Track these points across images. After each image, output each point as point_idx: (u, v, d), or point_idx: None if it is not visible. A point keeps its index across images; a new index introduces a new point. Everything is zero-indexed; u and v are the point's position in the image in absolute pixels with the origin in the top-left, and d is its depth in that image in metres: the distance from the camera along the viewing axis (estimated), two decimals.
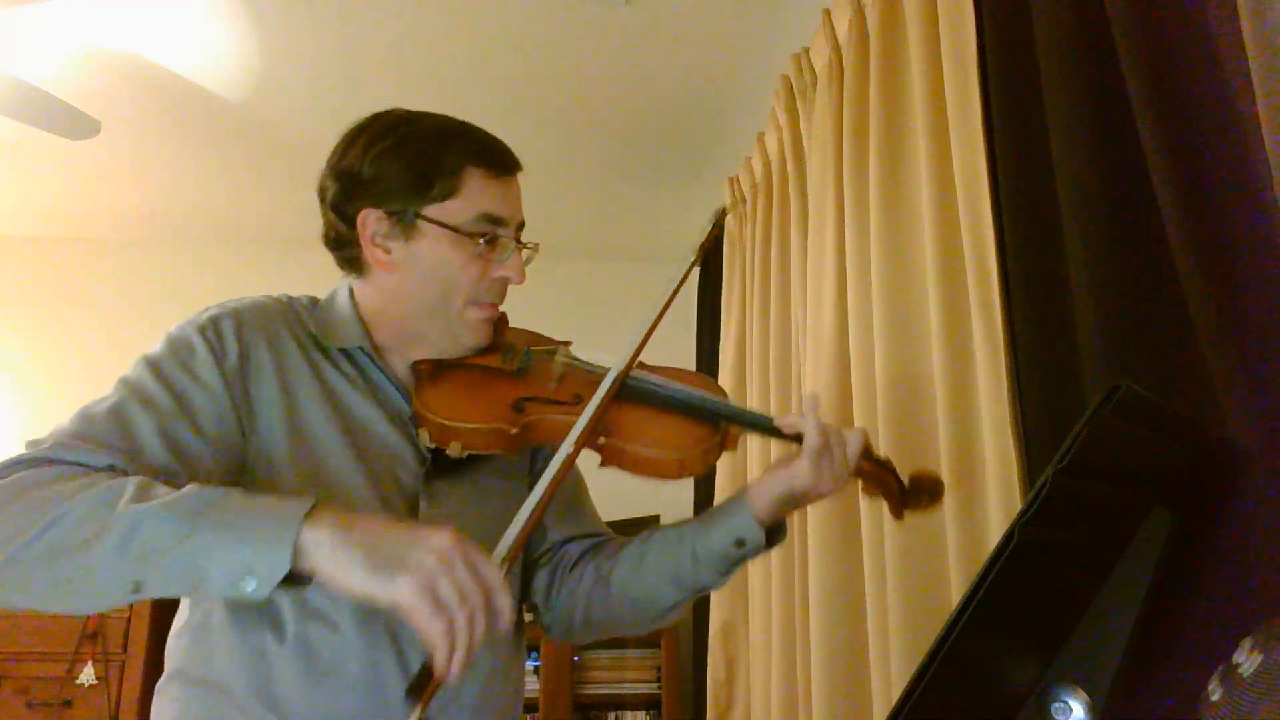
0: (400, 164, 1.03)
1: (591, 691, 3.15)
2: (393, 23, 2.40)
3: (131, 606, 3.00)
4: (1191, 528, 0.89)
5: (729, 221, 3.10)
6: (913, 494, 1.10)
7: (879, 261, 1.73)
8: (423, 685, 0.77)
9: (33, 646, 2.91)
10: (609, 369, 1.07)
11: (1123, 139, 1.06)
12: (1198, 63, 0.98)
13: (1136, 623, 0.83)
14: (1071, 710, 0.81)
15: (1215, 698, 0.72)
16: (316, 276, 4.02)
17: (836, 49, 2.09)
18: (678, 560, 1.08)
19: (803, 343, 2.17)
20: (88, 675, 2.89)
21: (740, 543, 1.05)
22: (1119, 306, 1.06)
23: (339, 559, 0.77)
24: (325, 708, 0.94)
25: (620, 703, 3.18)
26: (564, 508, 1.20)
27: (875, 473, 1.09)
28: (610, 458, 1.04)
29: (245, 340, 1.01)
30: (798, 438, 1.03)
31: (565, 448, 0.97)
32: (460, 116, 1.11)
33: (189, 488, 0.81)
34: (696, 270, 4.05)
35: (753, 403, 2.60)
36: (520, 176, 1.10)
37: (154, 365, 0.96)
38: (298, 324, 1.07)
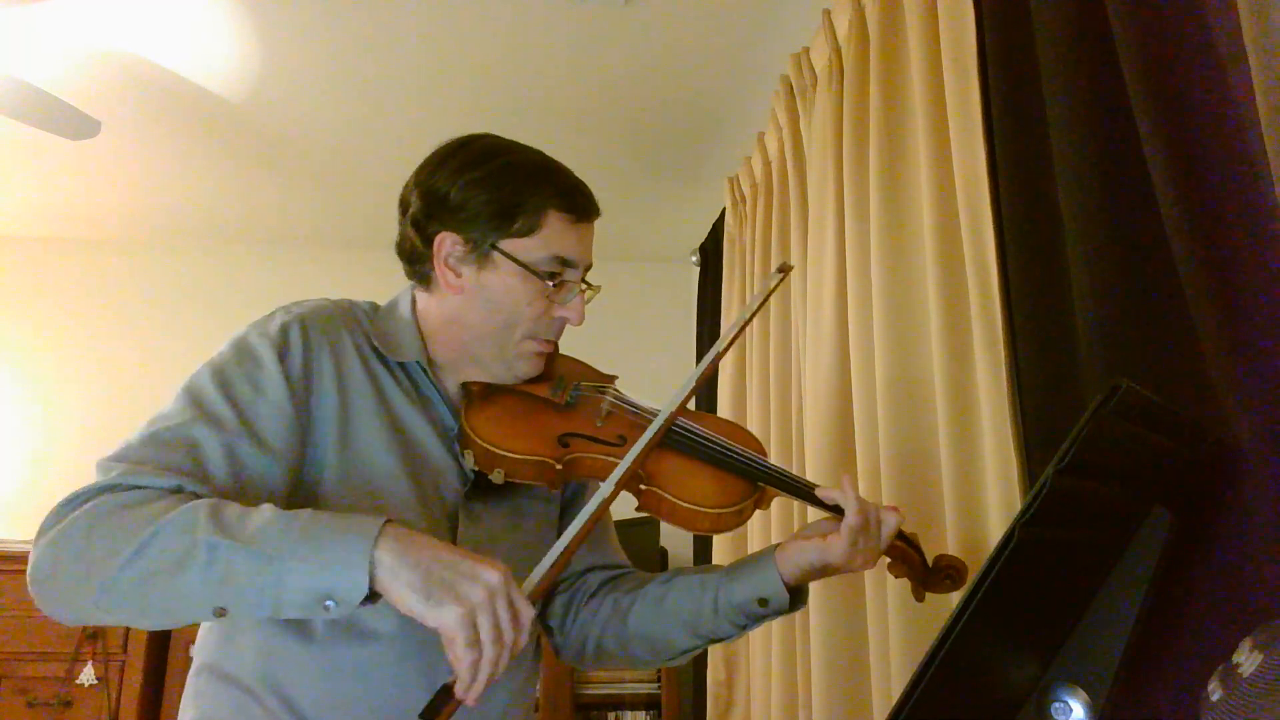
0: (487, 195, 1.04)
1: (591, 691, 3.15)
2: (392, 23, 2.40)
3: None
4: (1191, 528, 0.89)
5: (729, 222, 3.10)
6: (935, 575, 1.09)
7: (879, 261, 1.73)
8: (439, 707, 0.80)
9: (33, 646, 2.91)
10: (654, 412, 1.08)
11: (1123, 139, 1.06)
12: (1198, 63, 0.98)
13: (1136, 623, 0.83)
14: (1071, 710, 0.81)
15: (1215, 698, 0.72)
16: (318, 275, 4.00)
17: (836, 49, 2.08)
18: (698, 608, 1.08)
19: (803, 342, 2.17)
20: (88, 675, 2.89)
21: (764, 602, 1.05)
22: (1119, 306, 1.06)
23: (396, 579, 0.79)
24: (343, 713, 0.95)
25: (620, 703, 3.18)
26: (589, 538, 1.21)
27: (903, 551, 1.08)
28: (647, 504, 1.04)
29: (310, 348, 1.02)
30: (836, 509, 1.04)
31: (604, 490, 0.97)
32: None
33: (263, 514, 0.82)
34: (697, 271, 4.02)
35: (753, 405, 2.60)
36: None
37: (220, 376, 0.96)
38: (358, 331, 1.08)
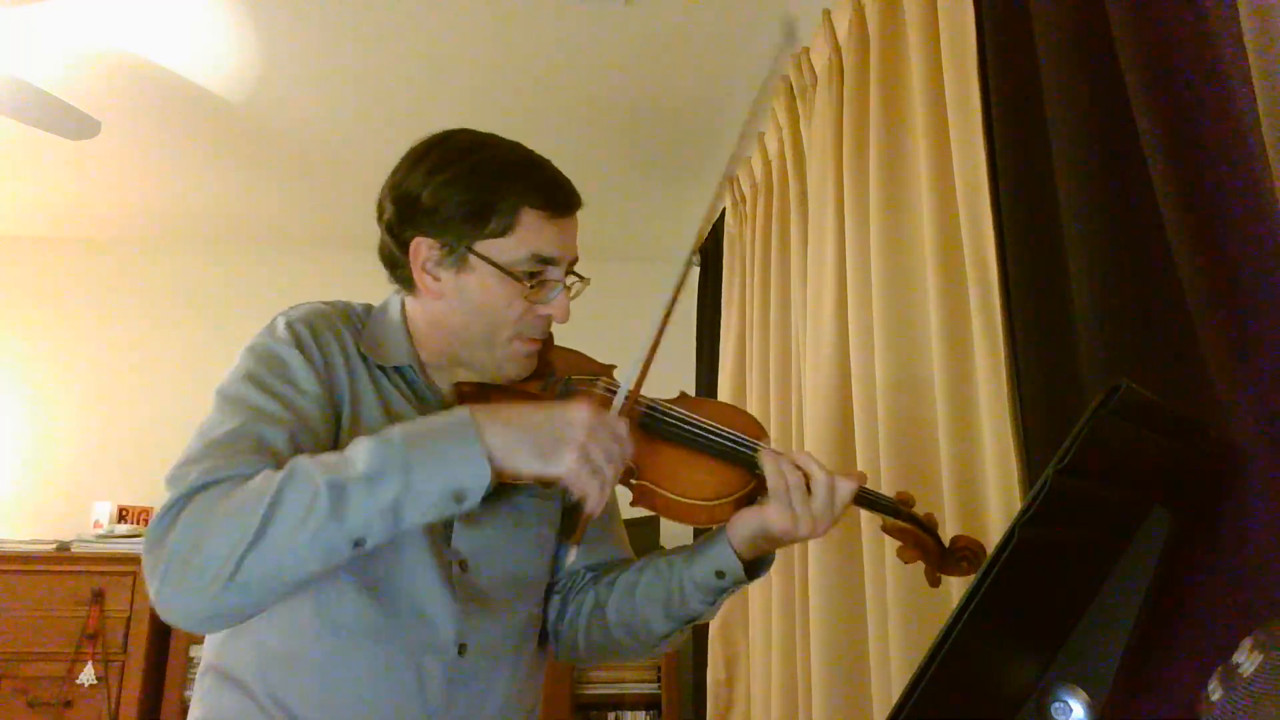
0: (459, 196, 1.02)
1: (591, 691, 3.15)
2: (391, 23, 2.40)
3: (131, 607, 3.01)
4: (1191, 528, 0.89)
5: (729, 222, 3.10)
6: (951, 557, 1.05)
7: (879, 261, 1.73)
8: (574, 526, 0.93)
9: (33, 646, 2.91)
10: (647, 400, 1.05)
11: (1123, 139, 1.06)
12: (1198, 63, 0.98)
13: (1136, 623, 0.83)
14: (1071, 710, 0.81)
15: (1215, 698, 0.72)
16: (317, 275, 4.00)
17: (836, 49, 2.09)
18: (667, 589, 1.08)
19: (803, 342, 2.18)
20: (88, 675, 2.89)
21: (720, 574, 1.04)
22: (1119, 306, 1.06)
23: (510, 451, 0.88)
24: (331, 707, 0.95)
25: (620, 703, 3.18)
26: (588, 537, 1.20)
27: (916, 535, 1.05)
28: (640, 499, 1.02)
29: (323, 347, 1.03)
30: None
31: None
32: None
33: (360, 445, 0.87)
34: (696, 271, 3.99)
35: (753, 404, 2.60)
36: None
37: (256, 381, 0.96)
38: (355, 333, 1.08)
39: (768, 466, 1.00)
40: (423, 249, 1.04)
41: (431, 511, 0.87)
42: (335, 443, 0.98)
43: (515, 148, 1.09)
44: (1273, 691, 0.67)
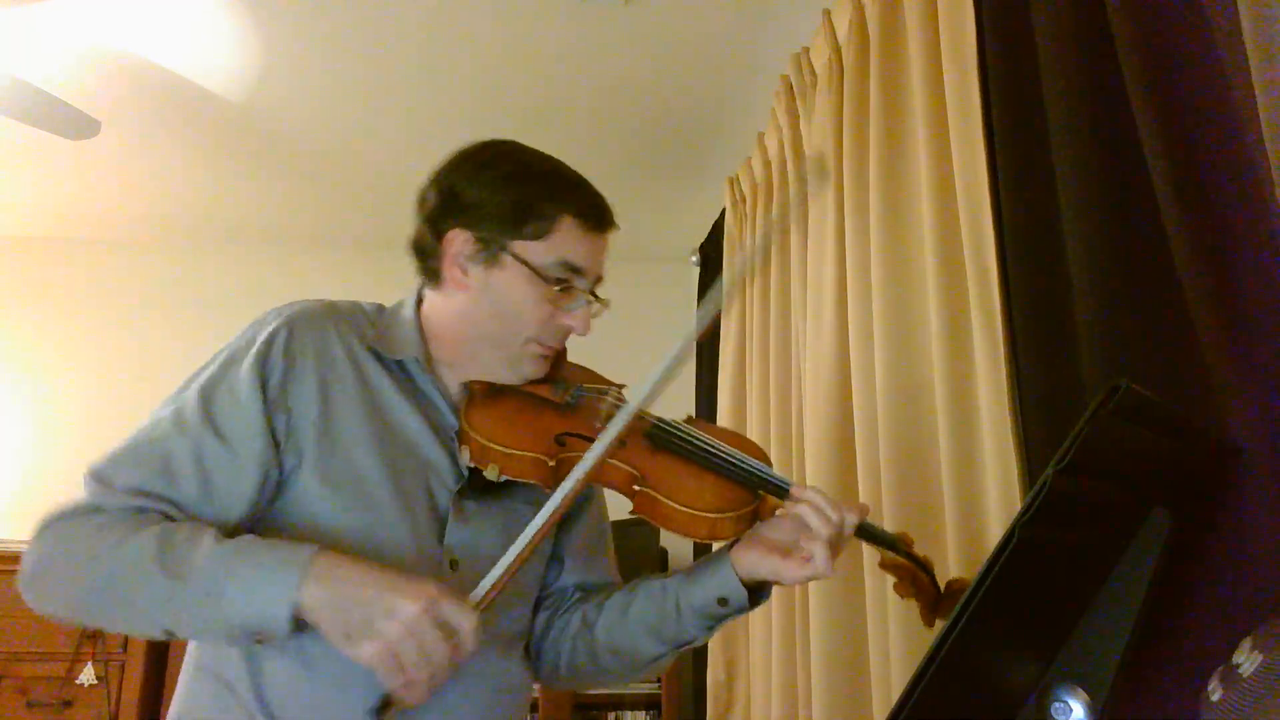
0: (502, 195, 1.05)
1: (592, 691, 3.14)
2: (392, 22, 2.40)
3: None
4: (1191, 528, 0.89)
5: (729, 222, 3.10)
6: (948, 600, 1.04)
7: (879, 262, 1.73)
8: (385, 707, 0.87)
9: (33, 646, 2.91)
10: (656, 416, 1.06)
11: (1123, 139, 1.06)
12: (1198, 62, 0.98)
13: (1136, 623, 0.83)
14: (1071, 710, 0.81)
15: (1215, 698, 0.72)
16: (317, 275, 3.98)
17: (836, 49, 2.09)
18: (661, 613, 1.06)
19: (803, 343, 2.18)
20: (88, 675, 2.89)
21: (723, 601, 1.03)
22: (1119, 306, 1.06)
23: (319, 619, 0.87)
24: (312, 706, 0.95)
25: (620, 703, 3.17)
26: (581, 554, 1.19)
27: (912, 572, 1.03)
28: (642, 507, 1.02)
29: (292, 354, 1.03)
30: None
31: (569, 481, 0.96)
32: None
33: (203, 548, 0.90)
34: (697, 271, 3.99)
35: (753, 404, 2.60)
36: None
37: (205, 382, 1.02)
38: (352, 331, 1.09)
39: (812, 517, 0.96)
40: (457, 241, 1.06)
41: (233, 638, 0.91)
42: (269, 455, 1.00)
43: (560, 162, 1.12)
44: (1273, 691, 0.67)
